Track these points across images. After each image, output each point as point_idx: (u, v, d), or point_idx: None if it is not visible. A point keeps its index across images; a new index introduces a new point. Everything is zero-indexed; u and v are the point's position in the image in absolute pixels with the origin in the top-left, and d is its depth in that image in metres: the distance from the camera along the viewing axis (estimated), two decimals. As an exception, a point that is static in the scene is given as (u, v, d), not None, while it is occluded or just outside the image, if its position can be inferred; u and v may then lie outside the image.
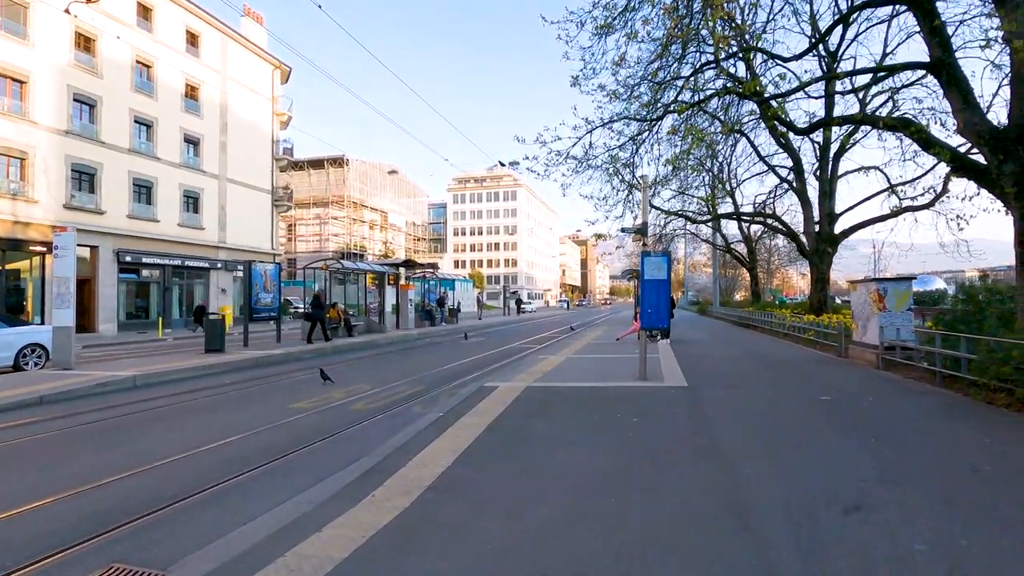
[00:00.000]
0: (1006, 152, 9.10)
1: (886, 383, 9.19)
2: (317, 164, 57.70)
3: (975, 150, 11.10)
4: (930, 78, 14.43)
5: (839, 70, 19.86)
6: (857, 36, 19.15)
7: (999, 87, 13.29)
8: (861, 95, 17.64)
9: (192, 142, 29.06)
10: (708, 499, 3.93)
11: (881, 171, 22.12)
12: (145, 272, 26.71)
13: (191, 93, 29.01)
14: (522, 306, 56.59)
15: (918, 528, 3.38)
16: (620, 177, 14.35)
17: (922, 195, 20.43)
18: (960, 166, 10.31)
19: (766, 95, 11.48)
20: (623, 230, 9.18)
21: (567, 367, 11.58)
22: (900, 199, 21.13)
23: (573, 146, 11.68)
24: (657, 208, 24.56)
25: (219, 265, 30.23)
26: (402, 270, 26.96)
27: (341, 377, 11.23)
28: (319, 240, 58.28)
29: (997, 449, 5.14)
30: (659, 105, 11.81)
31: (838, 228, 21.54)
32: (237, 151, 31.75)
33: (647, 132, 13.14)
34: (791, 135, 22.19)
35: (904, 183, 21.01)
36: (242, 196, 32.19)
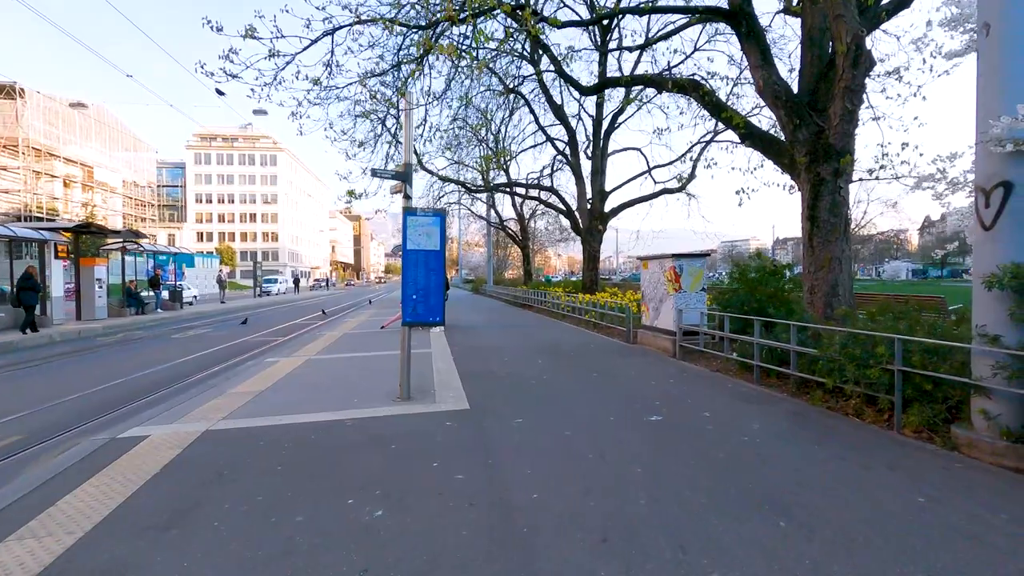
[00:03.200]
0: (801, 117, 8.35)
1: (704, 383, 7.36)
2: (-31, 91, 40.92)
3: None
4: (701, 60, 14.21)
5: (613, 44, 19.56)
6: (627, 11, 19.24)
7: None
8: (636, 55, 17.26)
9: None
10: None
11: (642, 153, 23.73)
12: None
13: None
14: (299, 285, 54.52)
15: None
16: (380, 120, 11.02)
17: (671, 180, 21.95)
18: (750, 134, 9.50)
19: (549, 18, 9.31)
20: (374, 172, 5.85)
21: (298, 379, 7.92)
22: (656, 182, 22.61)
23: (306, 48, 7.81)
24: (430, 171, 21.77)
25: None
26: (114, 240, 19.58)
27: None
28: (-21, 198, 41.62)
29: (962, 528, 3.30)
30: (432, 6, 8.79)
31: (607, 207, 21.76)
32: None
33: (415, 64, 9.98)
34: (567, 107, 21.67)
35: (659, 166, 22.79)
36: None
